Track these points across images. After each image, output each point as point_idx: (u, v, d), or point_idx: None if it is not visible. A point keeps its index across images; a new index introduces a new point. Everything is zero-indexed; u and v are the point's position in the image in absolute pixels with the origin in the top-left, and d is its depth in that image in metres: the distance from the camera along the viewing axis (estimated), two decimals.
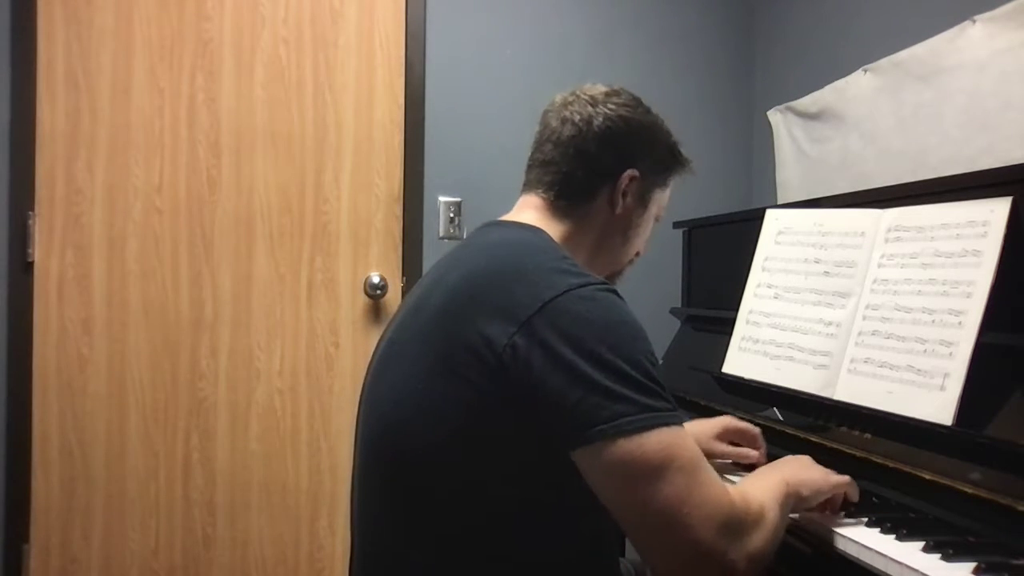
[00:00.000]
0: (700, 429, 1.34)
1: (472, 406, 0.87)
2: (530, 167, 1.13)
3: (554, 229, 1.07)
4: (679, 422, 0.86)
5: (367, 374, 1.08)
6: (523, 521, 0.91)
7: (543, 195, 1.09)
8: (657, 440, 0.83)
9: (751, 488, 0.94)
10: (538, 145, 1.12)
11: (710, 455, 1.23)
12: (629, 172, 1.09)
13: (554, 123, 1.10)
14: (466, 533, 0.91)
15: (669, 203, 1.20)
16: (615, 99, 1.10)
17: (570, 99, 1.11)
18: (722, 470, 1.28)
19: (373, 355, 1.08)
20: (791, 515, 1.03)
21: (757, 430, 1.34)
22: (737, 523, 0.85)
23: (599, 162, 1.08)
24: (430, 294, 0.98)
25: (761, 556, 0.87)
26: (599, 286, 0.90)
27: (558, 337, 0.85)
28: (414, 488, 0.92)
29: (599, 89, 1.12)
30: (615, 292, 0.91)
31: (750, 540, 0.86)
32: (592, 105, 1.09)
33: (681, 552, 0.83)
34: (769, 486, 0.97)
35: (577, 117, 1.08)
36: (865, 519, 1.05)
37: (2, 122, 2.10)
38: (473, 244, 1.06)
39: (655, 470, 0.82)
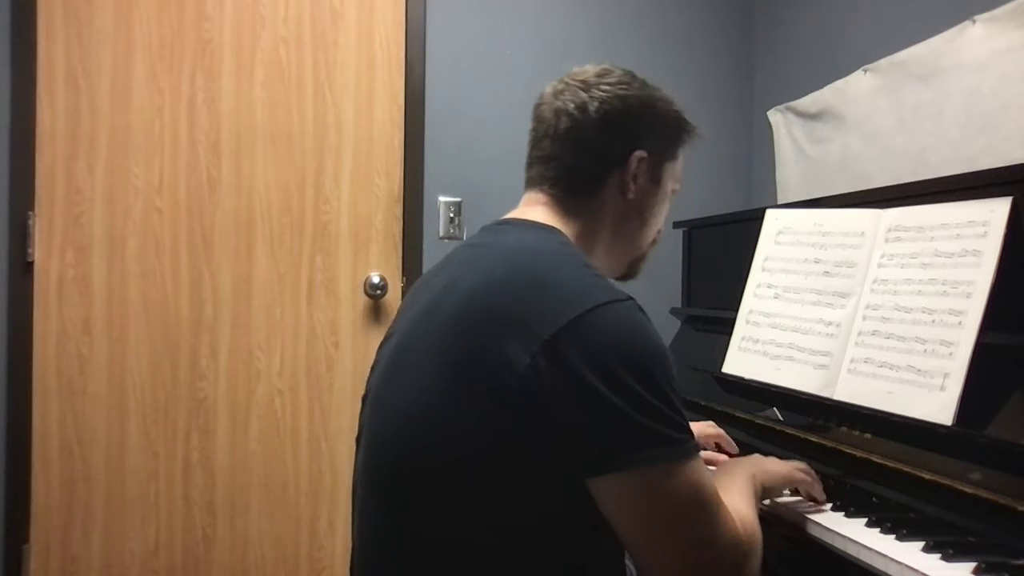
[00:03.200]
0: None
1: (487, 424, 0.85)
2: (530, 165, 1.08)
3: (567, 227, 1.02)
4: (698, 452, 0.86)
5: (373, 374, 1.04)
6: (529, 536, 0.88)
7: (549, 191, 1.04)
8: (683, 476, 0.83)
9: (739, 505, 0.95)
10: (535, 142, 1.07)
11: None
12: (637, 154, 1.03)
13: (548, 116, 1.05)
14: (469, 545, 0.88)
15: (681, 181, 1.13)
16: (607, 79, 1.04)
17: (560, 88, 1.06)
18: None
19: (378, 354, 1.05)
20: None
21: (720, 432, 1.39)
22: (746, 555, 0.88)
23: (602, 149, 1.03)
24: (443, 300, 0.93)
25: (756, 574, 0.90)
26: (624, 303, 0.87)
27: (582, 360, 0.82)
28: (419, 498, 0.90)
29: (589, 71, 1.06)
30: (640, 309, 0.88)
31: (751, 566, 0.89)
32: (584, 90, 1.03)
33: None
34: (746, 492, 0.99)
35: (571, 106, 1.03)
36: (865, 519, 1.05)
37: (2, 122, 2.10)
38: (488, 246, 1.00)
39: (681, 508, 0.83)
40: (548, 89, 1.08)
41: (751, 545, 0.89)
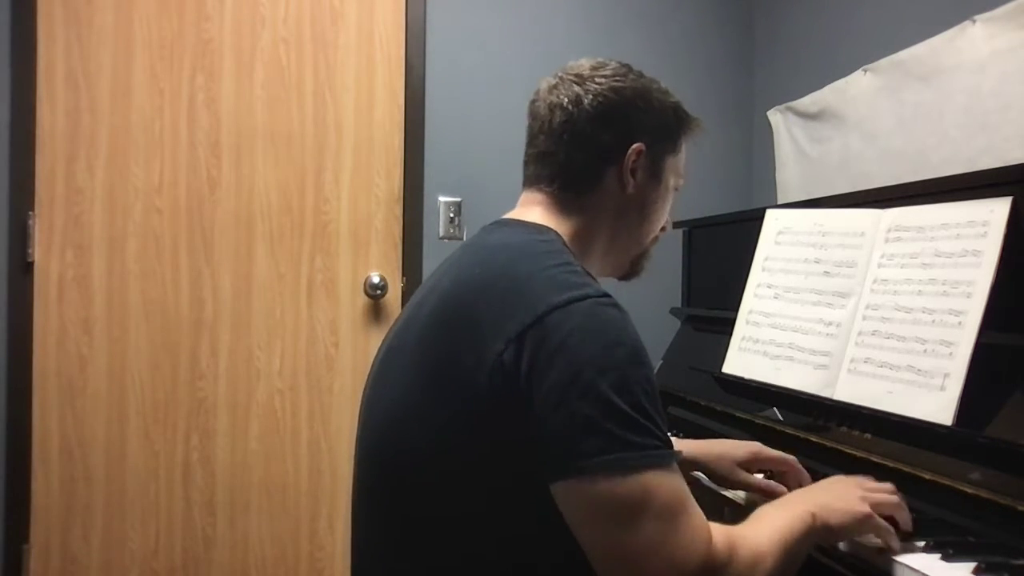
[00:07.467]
0: (724, 453, 1.21)
1: (461, 421, 0.83)
2: (526, 163, 1.05)
3: (564, 225, 0.99)
4: (666, 460, 0.79)
5: (368, 381, 1.04)
6: (513, 533, 0.87)
7: (546, 189, 1.01)
8: (636, 482, 0.77)
9: (756, 530, 0.86)
10: (531, 138, 1.04)
11: (734, 484, 1.18)
12: (634, 147, 1.00)
13: (543, 112, 1.02)
14: (457, 544, 0.88)
15: (683, 176, 1.10)
16: (602, 71, 1.01)
17: (555, 82, 1.02)
18: (754, 502, 1.14)
19: (374, 361, 1.05)
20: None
21: (792, 459, 1.19)
22: (712, 574, 0.78)
23: (598, 143, 0.99)
24: (426, 301, 0.94)
25: None
26: (599, 299, 0.82)
27: (548, 358, 0.78)
28: (407, 497, 0.90)
29: (584, 65, 1.02)
30: (616, 306, 0.84)
31: None
32: (579, 84, 1.00)
33: None
34: (783, 524, 0.87)
35: (565, 100, 1.00)
36: None
37: (2, 122, 2.10)
38: (472, 247, 0.98)
39: (628, 514, 0.77)
40: (543, 84, 1.05)
41: (730, 566, 0.79)
